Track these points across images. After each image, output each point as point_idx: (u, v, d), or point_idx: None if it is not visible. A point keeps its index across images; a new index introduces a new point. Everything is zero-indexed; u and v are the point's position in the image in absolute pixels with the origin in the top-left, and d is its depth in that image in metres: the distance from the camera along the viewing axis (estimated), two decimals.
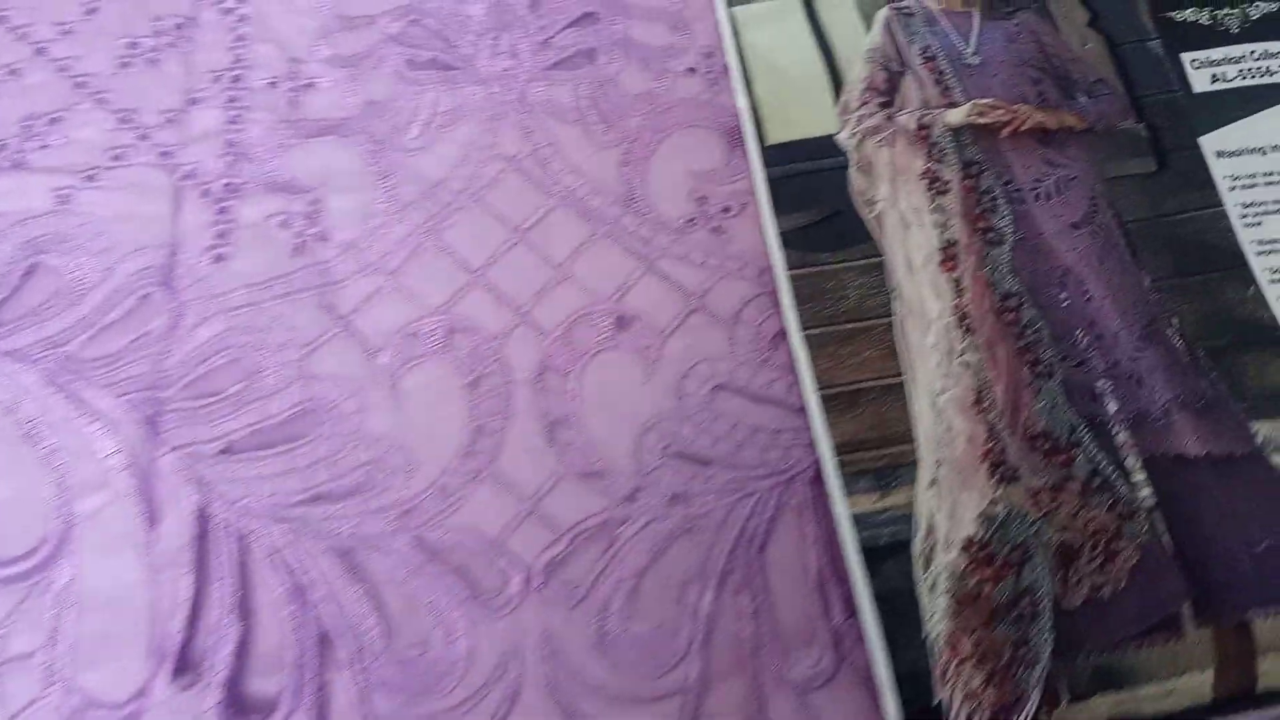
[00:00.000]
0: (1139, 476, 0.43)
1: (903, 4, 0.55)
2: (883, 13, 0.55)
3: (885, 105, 0.53)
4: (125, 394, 0.44)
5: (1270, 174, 0.50)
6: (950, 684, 0.39)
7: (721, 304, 0.47)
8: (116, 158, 0.49)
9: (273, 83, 0.52)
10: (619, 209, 0.50)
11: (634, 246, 0.49)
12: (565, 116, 0.52)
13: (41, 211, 0.48)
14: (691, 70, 0.54)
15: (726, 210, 0.50)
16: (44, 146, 0.49)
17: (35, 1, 0.53)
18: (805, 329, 0.46)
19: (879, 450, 0.44)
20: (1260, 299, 0.46)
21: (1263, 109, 0.51)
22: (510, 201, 0.50)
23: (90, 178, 0.49)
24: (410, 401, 0.45)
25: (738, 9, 0.55)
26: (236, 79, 0.52)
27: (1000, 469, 0.43)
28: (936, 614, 0.40)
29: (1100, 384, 0.45)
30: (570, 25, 0.55)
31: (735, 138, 0.52)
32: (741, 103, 0.52)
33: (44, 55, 0.52)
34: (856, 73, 0.53)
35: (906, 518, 0.42)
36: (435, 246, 0.48)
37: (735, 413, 0.45)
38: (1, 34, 0.52)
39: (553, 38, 0.54)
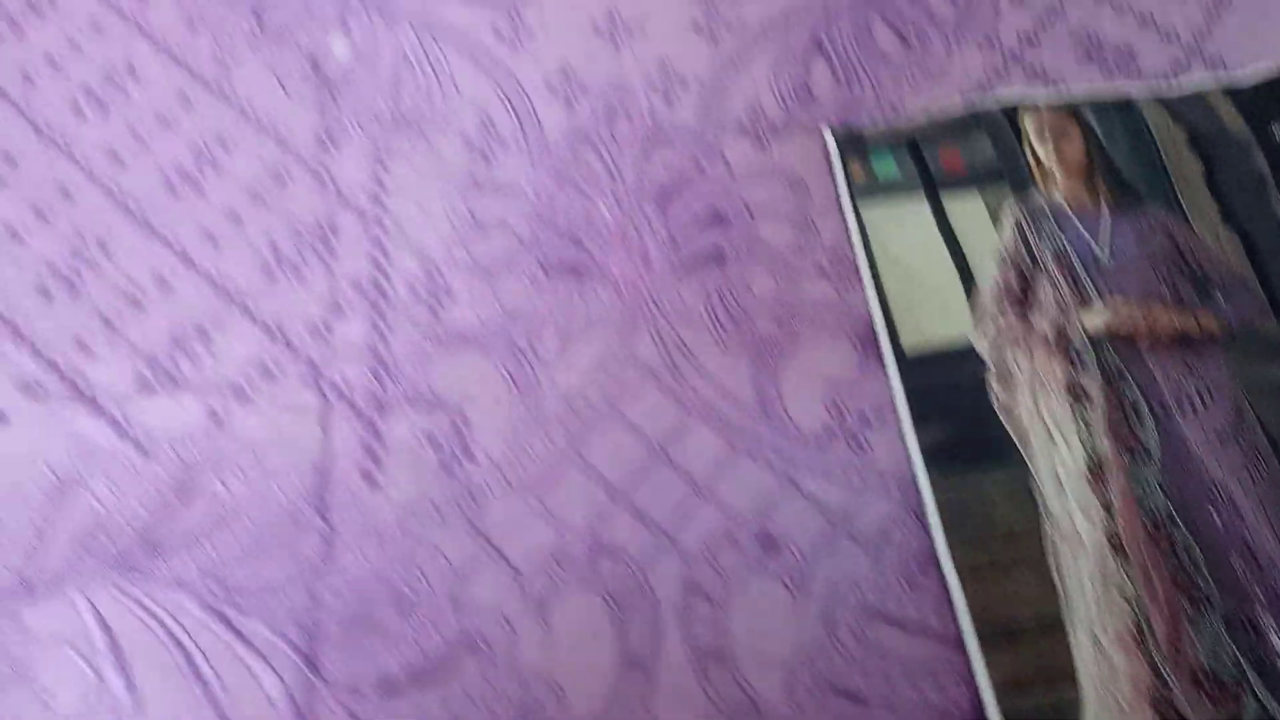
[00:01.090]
0: None
1: (1030, 200, 0.55)
2: (1011, 210, 0.55)
3: (1021, 309, 0.53)
4: (283, 627, 0.44)
5: None
6: None
7: (866, 525, 0.47)
8: (267, 374, 0.50)
9: (413, 291, 0.53)
10: (756, 421, 0.50)
11: (773, 462, 0.49)
12: (697, 322, 0.52)
13: (197, 432, 0.49)
14: (821, 271, 0.54)
15: (865, 422, 0.50)
16: (196, 362, 0.50)
17: (181, 209, 0.55)
18: (956, 555, 0.46)
19: (1043, 691, 0.43)
20: None
21: None
22: (648, 414, 0.50)
23: (242, 396, 0.50)
24: (560, 632, 0.45)
25: (864, 207, 0.56)
26: (378, 288, 0.53)
27: (1166, 712, 0.42)
28: None
29: (1262, 617, 0.44)
30: (698, 226, 0.55)
31: (869, 343, 0.52)
32: (874, 308, 0.53)
33: (192, 265, 0.53)
34: (989, 275, 0.53)
35: None
36: (577, 464, 0.49)
37: (888, 645, 0.44)
38: (151, 243, 0.53)
39: (682, 239, 0.55)
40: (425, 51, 0.61)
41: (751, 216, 0.56)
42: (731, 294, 0.53)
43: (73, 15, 0.61)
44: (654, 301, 0.53)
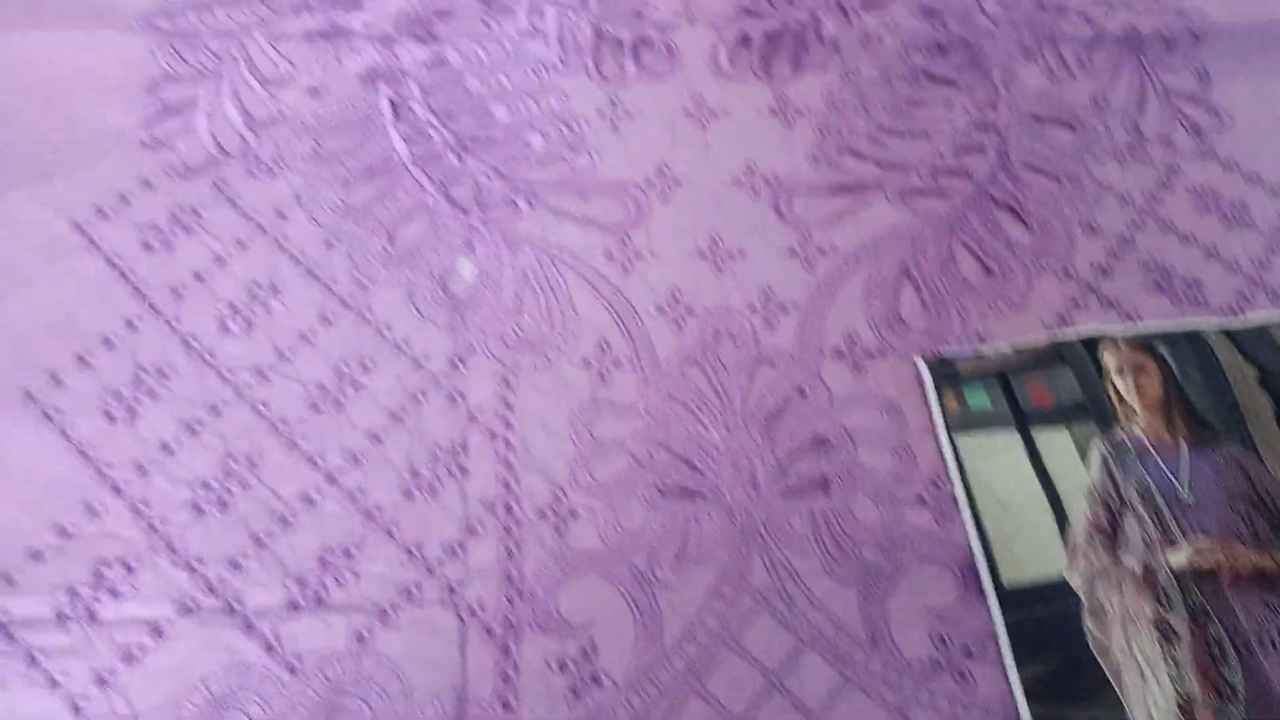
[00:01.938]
0: None
1: (1114, 436, 0.59)
2: (1098, 447, 0.59)
3: (1111, 546, 0.56)
4: None
5: None
6: None
7: None
8: (407, 596, 0.54)
9: (540, 512, 0.57)
10: (866, 652, 0.53)
11: (883, 694, 0.52)
12: (806, 549, 0.56)
13: (342, 653, 0.52)
14: (921, 500, 0.58)
15: (968, 653, 0.53)
16: (341, 583, 0.54)
17: (324, 428, 0.59)
18: None
19: None
20: None
21: None
22: (763, 642, 0.53)
23: (385, 617, 0.53)
24: None
25: (959, 437, 0.60)
26: (509, 509, 0.57)
27: None
28: None
29: None
30: (803, 451, 0.59)
31: (969, 574, 0.55)
32: (973, 541, 0.56)
33: (335, 484, 0.57)
34: (1080, 511, 0.57)
35: None
36: (698, 692, 0.52)
37: None
38: (297, 461, 0.58)
39: (788, 465, 0.59)
40: (545, 273, 0.65)
41: (852, 443, 0.60)
42: (838, 521, 0.57)
43: (219, 232, 0.66)
44: (764, 527, 0.57)
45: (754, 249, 0.68)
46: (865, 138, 0.73)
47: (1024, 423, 0.60)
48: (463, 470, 0.58)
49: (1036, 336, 0.63)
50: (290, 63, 0.73)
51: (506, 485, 0.58)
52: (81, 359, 0.60)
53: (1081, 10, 0.80)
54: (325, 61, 0.74)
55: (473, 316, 0.63)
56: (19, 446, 0.57)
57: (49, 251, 0.65)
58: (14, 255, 0.64)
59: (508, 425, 0.60)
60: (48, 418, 0.58)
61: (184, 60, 0.73)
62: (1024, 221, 0.69)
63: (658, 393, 0.61)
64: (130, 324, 0.62)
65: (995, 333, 0.64)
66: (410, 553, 0.55)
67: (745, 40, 0.76)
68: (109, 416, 0.59)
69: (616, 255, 0.67)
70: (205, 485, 0.57)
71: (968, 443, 0.60)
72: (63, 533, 0.55)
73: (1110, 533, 0.57)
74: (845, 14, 0.78)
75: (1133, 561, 0.56)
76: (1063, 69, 0.76)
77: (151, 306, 0.63)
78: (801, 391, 0.62)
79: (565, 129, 0.72)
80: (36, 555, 0.54)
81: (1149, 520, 0.57)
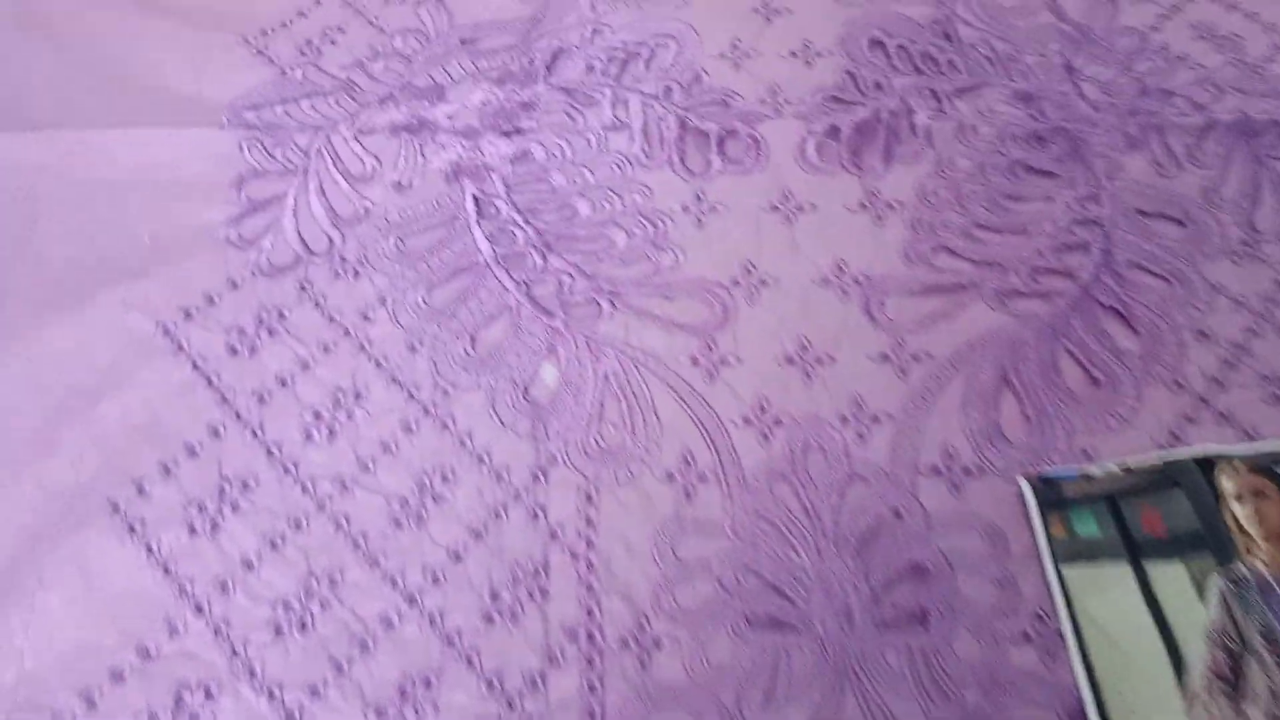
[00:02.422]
0: None
1: (1234, 571, 0.55)
2: (1217, 583, 0.55)
3: (1232, 694, 0.52)
4: None
5: None
6: None
7: None
8: None
9: (622, 640, 0.55)
10: None
11: None
12: (903, 689, 0.53)
13: None
14: (1025, 637, 0.55)
15: None
16: (420, 714, 0.53)
17: (405, 544, 0.58)
18: None
19: None
20: None
21: None
22: None
23: None
24: None
25: (1066, 568, 0.56)
26: (590, 638, 0.55)
27: None
28: None
29: None
30: (899, 579, 0.56)
31: None
32: (1083, 686, 0.53)
33: (416, 605, 0.56)
34: (1198, 655, 0.53)
35: None
36: None
37: None
38: (377, 580, 0.57)
39: (883, 594, 0.56)
40: (628, 378, 0.64)
41: (951, 570, 0.57)
42: (937, 658, 0.54)
43: (303, 334, 0.66)
44: (858, 663, 0.54)
45: (844, 354, 0.65)
46: (960, 234, 0.70)
47: (1136, 554, 0.56)
48: (544, 593, 0.56)
49: (1147, 456, 0.60)
50: (376, 158, 0.73)
51: (589, 611, 0.56)
52: (166, 468, 0.60)
53: (1189, 95, 0.76)
54: (410, 156, 0.73)
55: (554, 424, 0.62)
56: (104, 559, 0.57)
57: (136, 355, 0.65)
58: (103, 358, 0.64)
59: (589, 544, 0.58)
60: (132, 530, 0.58)
61: (271, 156, 0.73)
62: (1131, 326, 0.66)
63: (744, 511, 0.59)
64: (215, 431, 0.62)
65: (1102, 449, 0.61)
66: (490, 683, 0.54)
67: (834, 131, 0.74)
68: (192, 529, 0.58)
69: (701, 360, 0.65)
70: (286, 605, 0.56)
71: (1076, 574, 0.56)
72: (144, 653, 0.55)
73: (1232, 680, 0.53)
74: (938, 100, 0.76)
75: (1258, 714, 0.52)
76: (1170, 159, 0.73)
77: (236, 413, 0.63)
78: (896, 513, 0.59)
79: (649, 225, 0.71)
80: (118, 676, 0.54)
81: (1275, 667, 0.53)
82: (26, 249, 0.68)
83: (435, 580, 0.57)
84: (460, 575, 0.57)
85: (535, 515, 0.59)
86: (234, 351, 0.65)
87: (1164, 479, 0.59)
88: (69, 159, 0.72)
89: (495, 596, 0.56)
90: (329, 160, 0.73)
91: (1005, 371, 0.64)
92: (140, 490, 0.59)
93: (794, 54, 0.79)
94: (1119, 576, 0.56)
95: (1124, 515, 0.58)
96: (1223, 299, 0.67)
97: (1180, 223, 0.70)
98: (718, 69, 0.78)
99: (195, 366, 0.65)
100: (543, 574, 0.57)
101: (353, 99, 0.76)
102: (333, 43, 0.80)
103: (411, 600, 0.56)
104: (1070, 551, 0.57)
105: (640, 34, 0.81)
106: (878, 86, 0.77)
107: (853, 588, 0.56)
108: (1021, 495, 0.59)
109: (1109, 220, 0.70)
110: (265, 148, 0.73)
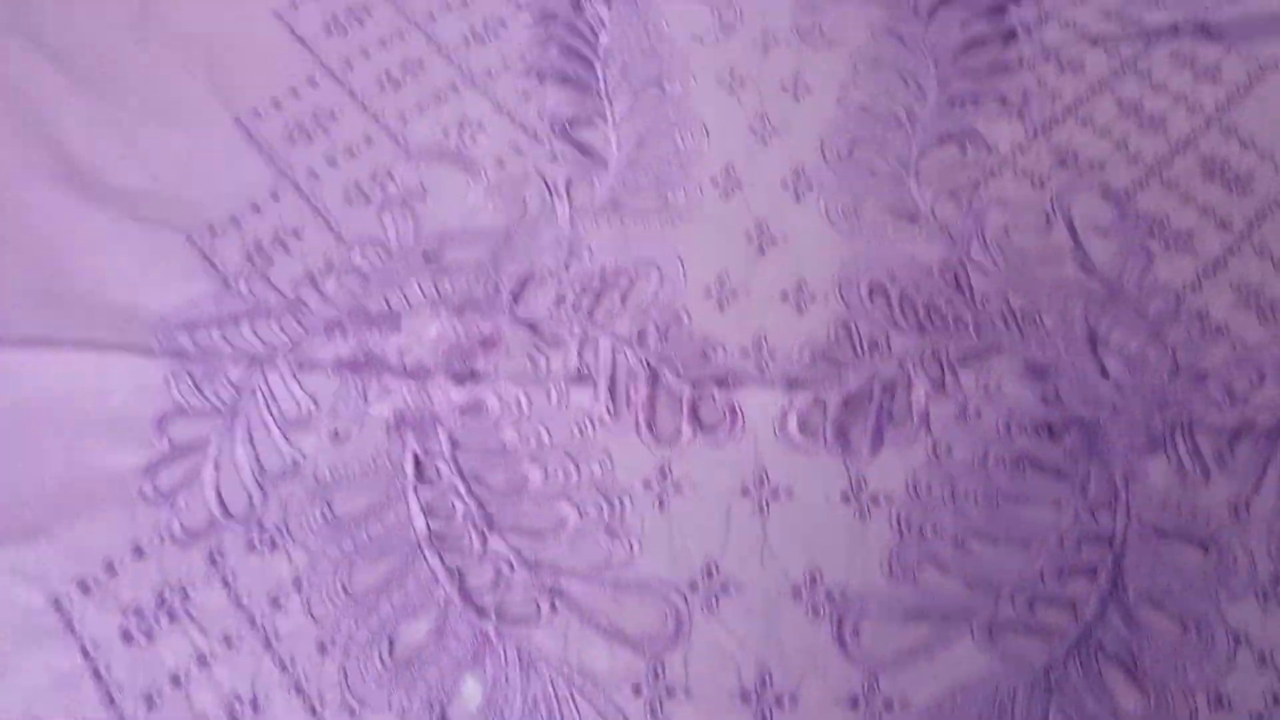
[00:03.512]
0: None
1: None
2: None
3: None
4: None
5: None
6: None
7: None
8: None
9: None
10: None
11: None
12: None
13: None
14: None
15: None
16: None
17: None
18: None
19: None
20: None
21: None
22: None
23: None
24: None
25: None
26: None
27: None
28: None
29: None
30: None
31: None
32: None
33: None
34: None
35: None
36: None
37: None
38: None
39: None
40: (560, 707, 0.57)
41: None
42: None
43: (206, 621, 0.59)
44: None
45: (809, 693, 0.58)
46: (952, 542, 0.62)
47: None
48: None
49: None
50: (314, 400, 0.67)
51: None
52: None
53: (1225, 380, 0.68)
54: (351, 400, 0.67)
55: None
56: None
57: (21, 636, 0.58)
58: None
59: None
60: None
61: (200, 392, 0.67)
62: (1138, 683, 0.57)
63: None
64: None
65: None
66: None
67: (820, 405, 0.66)
68: None
69: (644, 690, 0.58)
70: None
71: None
72: None
73: None
74: (941, 369, 0.68)
75: None
76: (1196, 464, 0.64)
77: (120, 717, 0.56)
78: None
79: (605, 505, 0.64)
80: None
81: None
82: None
83: None
84: None
85: None
86: (128, 638, 0.59)
87: None
88: None
89: None
90: (262, 400, 0.66)
91: None
92: None
93: (785, 296, 0.72)
94: None
95: None
96: (1246, 654, 0.58)
97: (1203, 547, 0.62)
98: (701, 310, 0.71)
99: (85, 654, 0.58)
100: None
101: (298, 323, 0.69)
102: (285, 249, 0.73)
103: None
104: None
105: (621, 258, 0.74)
106: (874, 346, 0.69)
107: None
108: None
109: (1123, 539, 0.62)
110: (194, 381, 0.67)
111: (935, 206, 0.77)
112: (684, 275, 0.73)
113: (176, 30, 0.86)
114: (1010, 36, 0.88)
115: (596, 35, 0.87)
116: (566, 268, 0.74)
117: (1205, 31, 0.87)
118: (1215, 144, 0.79)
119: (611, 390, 0.67)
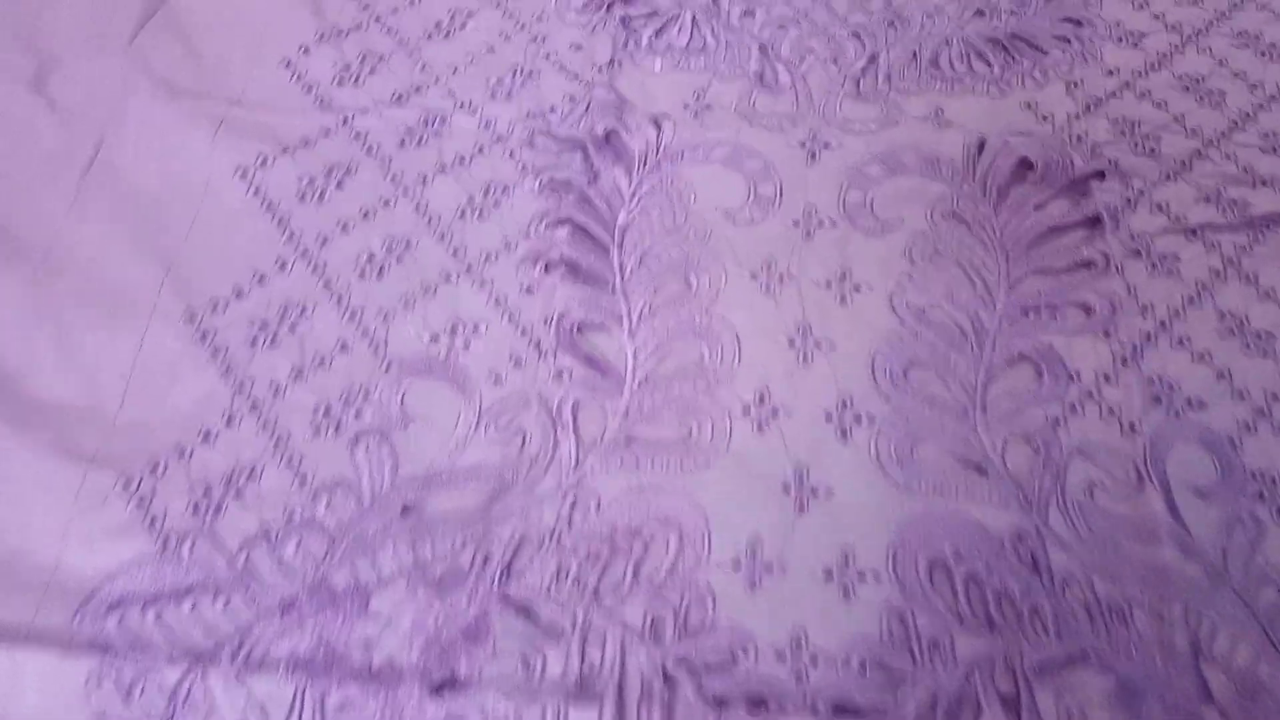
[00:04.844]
0: None
1: None
2: None
3: None
4: None
5: None
6: None
7: None
8: None
9: None
10: None
11: None
12: None
13: None
14: None
15: None
16: None
17: None
18: None
19: None
20: None
21: None
22: None
23: None
24: None
25: None
26: None
27: None
28: None
29: None
30: None
31: None
32: None
33: None
34: None
35: None
36: None
37: None
38: None
39: None
40: None
41: None
42: None
43: None
44: None
45: None
46: None
47: None
48: None
49: None
50: (264, 713, 0.55)
51: None
52: None
53: None
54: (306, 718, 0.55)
55: None
56: None
57: None
58: None
59: None
60: None
61: (126, 705, 0.55)
62: None
63: None
64: None
65: None
66: None
67: None
68: None
69: None
70: None
71: None
72: None
73: None
74: (1015, 683, 0.57)
75: None
76: None
77: None
78: None
79: None
80: None
81: None
82: None
83: None
84: None
85: None
86: None
87: None
88: None
89: None
90: (203, 715, 0.54)
91: None
92: None
93: (829, 575, 0.60)
94: None
95: None
96: None
97: None
98: (729, 589, 0.59)
99: None
100: None
101: (249, 601, 0.58)
102: (238, 494, 0.62)
103: None
104: None
105: (634, 514, 0.62)
106: (934, 651, 0.58)
107: None
108: None
109: None
110: (118, 686, 0.55)
111: (1006, 453, 0.65)
112: (708, 538, 0.62)
113: (125, 192, 0.73)
114: (1095, 222, 0.75)
115: (614, 212, 0.74)
116: (570, 525, 0.62)
117: None
118: None
119: (620, 712, 0.56)
